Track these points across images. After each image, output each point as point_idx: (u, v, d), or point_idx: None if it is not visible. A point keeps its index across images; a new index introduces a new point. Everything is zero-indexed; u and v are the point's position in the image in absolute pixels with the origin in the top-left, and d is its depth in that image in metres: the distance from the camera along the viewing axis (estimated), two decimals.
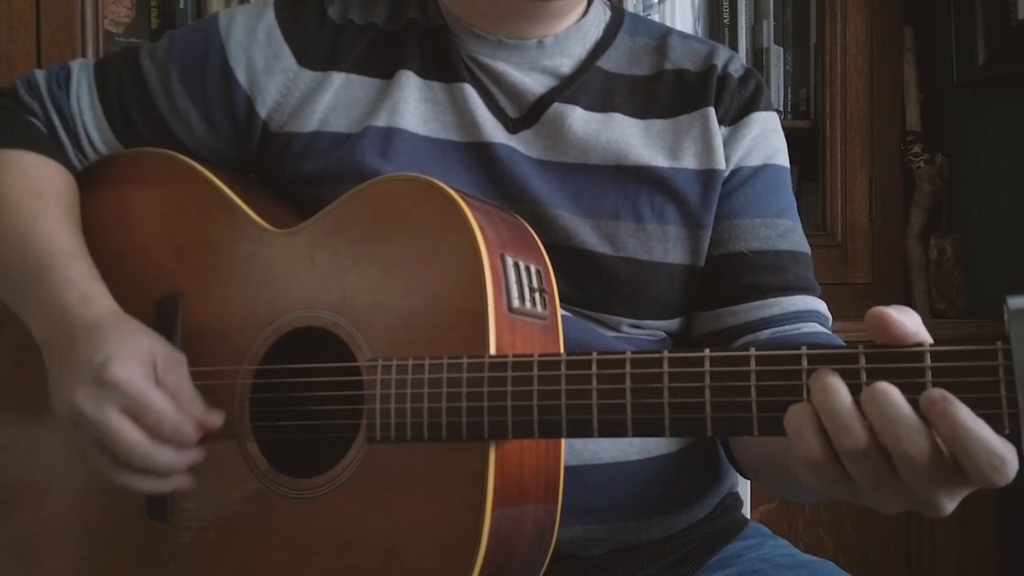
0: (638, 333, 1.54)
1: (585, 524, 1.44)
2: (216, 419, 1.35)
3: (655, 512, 1.50)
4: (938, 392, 0.98)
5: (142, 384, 1.30)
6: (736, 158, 1.57)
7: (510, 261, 1.29)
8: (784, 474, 1.31)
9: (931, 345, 1.01)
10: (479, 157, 1.52)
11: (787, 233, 1.57)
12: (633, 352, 1.14)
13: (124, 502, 1.44)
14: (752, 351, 1.07)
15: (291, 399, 1.38)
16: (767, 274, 1.53)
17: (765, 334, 1.50)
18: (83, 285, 1.41)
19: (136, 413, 1.29)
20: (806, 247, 1.59)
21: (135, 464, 1.31)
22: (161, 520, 1.42)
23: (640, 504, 1.48)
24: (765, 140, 1.60)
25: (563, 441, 1.32)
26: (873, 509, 1.08)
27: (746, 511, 1.72)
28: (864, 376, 1.01)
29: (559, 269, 1.41)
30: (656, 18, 3.09)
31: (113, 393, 1.29)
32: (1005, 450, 0.97)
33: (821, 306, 1.56)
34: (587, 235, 1.49)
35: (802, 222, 1.63)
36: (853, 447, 1.00)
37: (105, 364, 1.29)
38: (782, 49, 3.27)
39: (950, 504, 1.04)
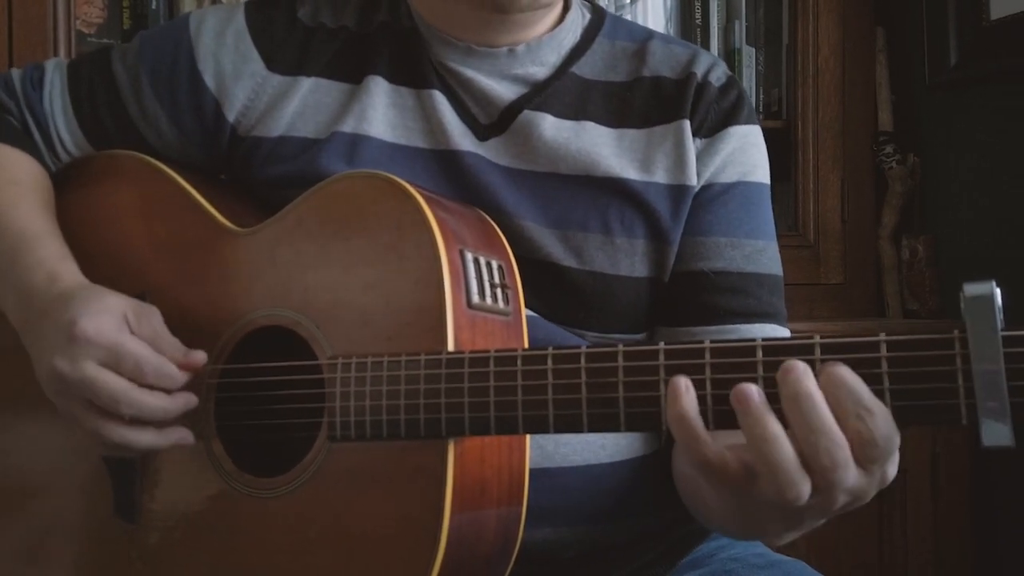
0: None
1: (556, 526, 1.43)
2: (199, 357, 1.35)
3: (627, 514, 1.49)
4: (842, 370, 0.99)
5: (115, 333, 1.30)
6: (708, 174, 1.53)
7: (469, 256, 1.28)
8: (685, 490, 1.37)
9: (887, 335, 1.00)
10: (446, 165, 1.51)
11: (754, 254, 1.53)
12: (588, 346, 1.14)
13: (94, 502, 1.45)
14: (707, 343, 1.06)
15: (255, 398, 1.38)
16: (727, 297, 1.50)
17: None
18: (50, 264, 1.42)
19: (114, 363, 1.30)
20: (776, 269, 1.55)
21: (124, 412, 1.30)
22: (130, 519, 1.42)
23: (612, 506, 1.47)
24: (742, 156, 1.56)
25: (528, 440, 1.31)
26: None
27: None
28: (819, 368, 1.00)
29: (525, 281, 1.40)
30: (627, 18, 3.09)
31: (87, 348, 1.29)
32: (874, 404, 0.98)
33: (783, 334, 1.51)
34: (553, 247, 1.47)
35: (774, 223, 1.60)
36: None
37: (74, 321, 1.30)
38: (754, 50, 3.27)
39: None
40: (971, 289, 0.95)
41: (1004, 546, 2.91)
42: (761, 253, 1.54)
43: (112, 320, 1.32)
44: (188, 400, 1.34)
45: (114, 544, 1.44)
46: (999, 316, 0.94)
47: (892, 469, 1.04)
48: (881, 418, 0.99)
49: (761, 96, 3.28)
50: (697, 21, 3.24)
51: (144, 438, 1.33)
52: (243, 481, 1.35)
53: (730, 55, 3.24)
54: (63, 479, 1.50)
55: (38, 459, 1.51)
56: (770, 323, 1.51)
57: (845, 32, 3.21)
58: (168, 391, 1.33)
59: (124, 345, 1.30)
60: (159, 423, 1.33)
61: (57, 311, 1.34)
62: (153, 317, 1.37)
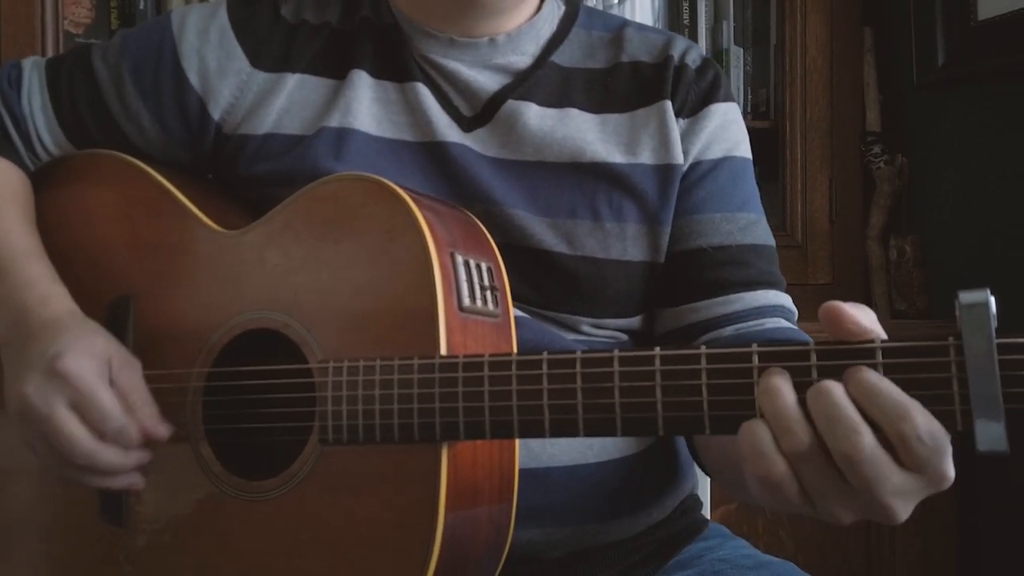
0: (598, 334, 1.53)
1: (544, 526, 1.43)
2: (163, 430, 1.35)
3: (614, 514, 1.50)
4: (867, 374, 0.98)
5: (92, 379, 1.30)
6: (695, 152, 1.55)
7: (460, 259, 1.28)
8: (742, 477, 1.32)
9: (883, 342, 1.00)
10: (433, 157, 1.51)
11: (749, 227, 1.55)
12: (584, 351, 1.13)
13: (80, 504, 1.44)
14: (703, 349, 1.06)
15: (244, 401, 1.37)
16: (729, 269, 1.51)
17: (728, 331, 1.49)
18: (43, 286, 1.42)
19: (82, 409, 1.29)
20: (770, 240, 1.58)
21: (76, 461, 1.31)
22: (115, 523, 1.42)
23: (599, 506, 1.48)
24: (725, 132, 1.58)
25: (517, 441, 1.31)
26: (828, 521, 1.07)
27: (706, 512, 1.72)
28: (815, 373, 1.01)
29: (517, 269, 1.41)
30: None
31: (62, 385, 1.29)
32: (934, 426, 0.96)
33: (786, 300, 1.54)
34: (544, 234, 1.48)
35: None
36: (796, 448, 0.99)
37: (58, 355, 1.29)
38: (742, 50, 3.28)
39: (902, 509, 1.02)
40: (966, 297, 0.95)
41: (988, 547, 2.91)
42: (755, 225, 1.56)
43: (95, 365, 1.32)
44: (141, 459, 1.35)
45: (100, 546, 1.43)
46: (994, 324, 0.94)
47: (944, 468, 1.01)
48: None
49: (749, 96, 3.28)
50: (685, 21, 3.25)
51: (93, 480, 1.35)
52: (232, 484, 1.34)
53: (718, 55, 3.25)
54: (47, 480, 1.48)
55: (21, 460, 1.49)
56: (772, 290, 1.53)
57: (833, 32, 3.22)
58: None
59: (97, 396, 1.30)
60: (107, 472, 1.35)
61: (45, 338, 1.34)
62: (133, 371, 1.37)
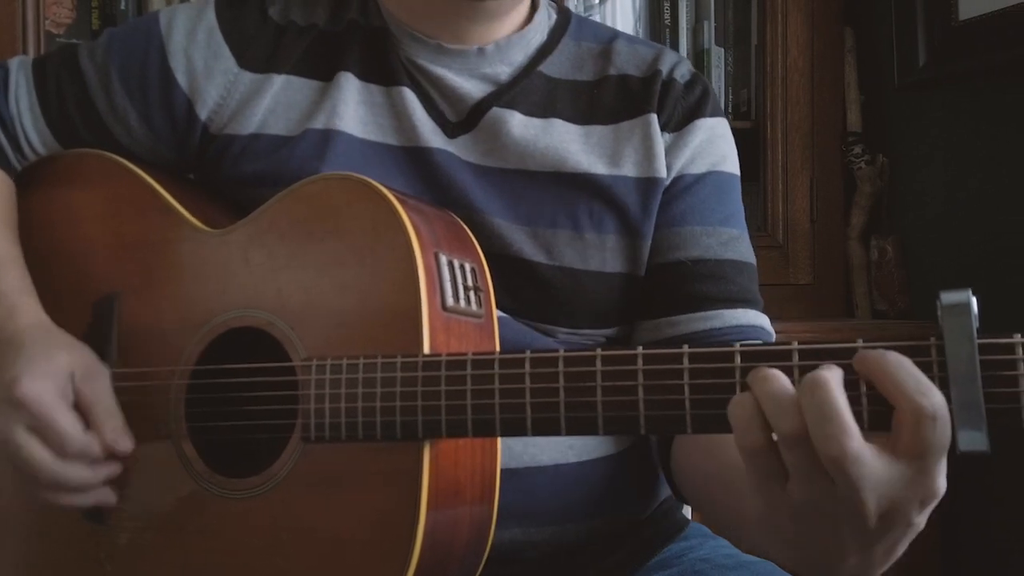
0: (576, 341, 1.53)
1: (524, 526, 1.44)
2: (126, 443, 1.36)
3: (595, 514, 1.50)
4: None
5: (49, 402, 1.31)
6: (679, 166, 1.55)
7: (444, 259, 1.28)
8: (720, 500, 1.33)
9: (864, 342, 1.00)
10: (416, 162, 1.51)
11: (731, 242, 1.55)
12: (566, 350, 1.13)
13: None
14: (685, 349, 1.07)
15: (227, 399, 1.38)
16: (707, 284, 1.51)
17: None
18: (11, 298, 1.42)
19: (41, 433, 1.30)
20: (751, 257, 1.57)
21: (42, 482, 1.32)
22: (98, 521, 1.41)
23: (580, 506, 1.48)
24: (711, 147, 1.58)
25: (499, 441, 1.32)
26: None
27: (686, 512, 1.72)
28: (797, 374, 1.01)
29: (495, 277, 1.41)
30: (597, 19, 3.09)
31: (20, 411, 1.30)
32: (933, 389, 0.94)
33: (764, 321, 1.54)
34: (523, 243, 1.48)
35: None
36: (792, 431, 0.96)
37: (15, 381, 1.30)
38: (723, 50, 3.27)
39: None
40: (948, 297, 0.95)
41: (971, 545, 2.92)
42: (737, 241, 1.56)
43: (53, 387, 1.32)
44: (110, 472, 1.36)
45: (82, 545, 1.43)
46: (975, 324, 0.94)
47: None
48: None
49: (730, 96, 3.28)
50: (666, 21, 3.25)
51: (63, 499, 1.35)
52: (215, 482, 1.34)
53: (699, 55, 3.25)
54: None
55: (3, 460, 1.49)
56: (752, 309, 1.53)
57: (814, 32, 3.22)
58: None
59: (54, 421, 1.31)
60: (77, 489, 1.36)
61: (5, 360, 1.34)
62: (99, 381, 1.38)
